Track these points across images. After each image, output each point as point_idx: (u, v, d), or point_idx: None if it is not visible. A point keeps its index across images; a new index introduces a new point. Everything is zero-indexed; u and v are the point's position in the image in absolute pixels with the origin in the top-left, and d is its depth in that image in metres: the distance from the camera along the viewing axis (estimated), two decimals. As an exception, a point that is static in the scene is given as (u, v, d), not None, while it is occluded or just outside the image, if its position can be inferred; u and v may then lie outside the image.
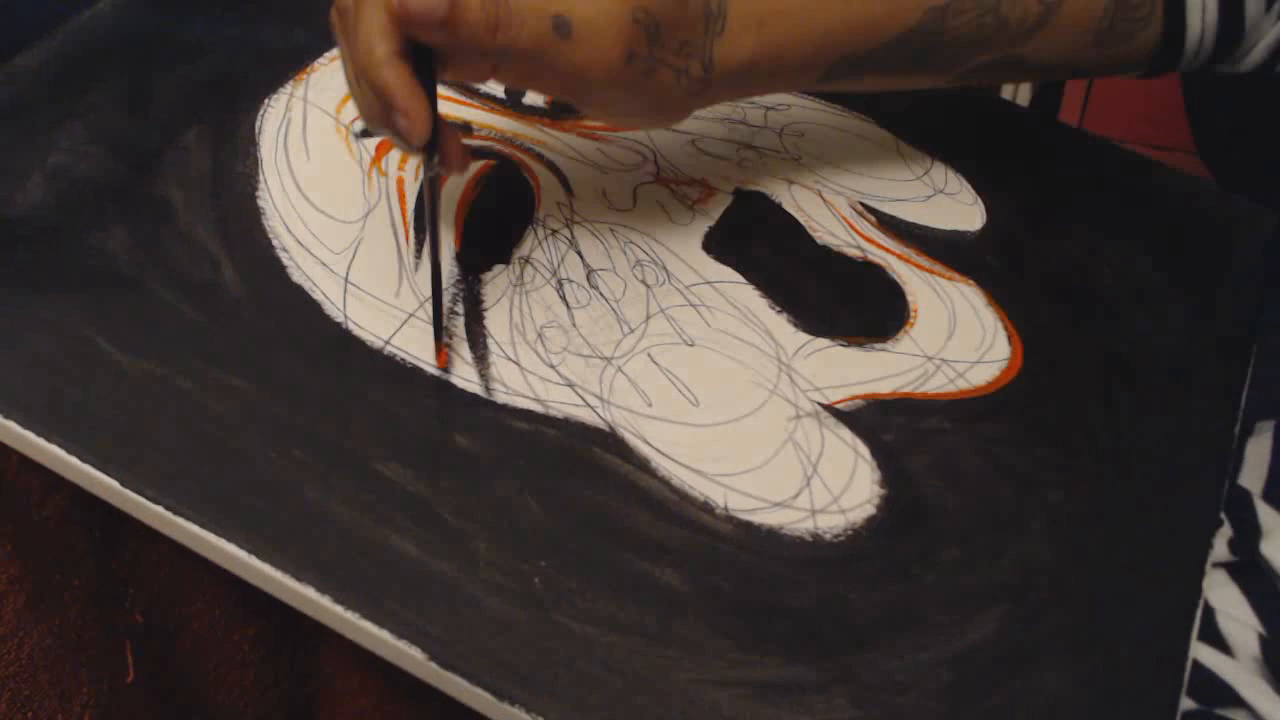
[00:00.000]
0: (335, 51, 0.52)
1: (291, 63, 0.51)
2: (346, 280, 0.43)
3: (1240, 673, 0.38)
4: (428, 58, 0.38)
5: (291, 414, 0.39)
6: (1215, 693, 0.38)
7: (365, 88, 0.38)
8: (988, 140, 0.54)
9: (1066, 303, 0.48)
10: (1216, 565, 0.41)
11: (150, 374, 0.39)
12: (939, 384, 0.44)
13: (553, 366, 0.42)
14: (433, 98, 0.38)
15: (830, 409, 0.42)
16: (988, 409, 0.43)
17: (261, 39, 0.52)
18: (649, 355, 0.43)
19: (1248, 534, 0.41)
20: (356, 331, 0.42)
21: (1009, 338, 0.46)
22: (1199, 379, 0.46)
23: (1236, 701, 0.38)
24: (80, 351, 0.39)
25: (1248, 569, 0.40)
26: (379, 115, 0.38)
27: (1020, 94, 1.49)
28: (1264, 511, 0.41)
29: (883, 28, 0.44)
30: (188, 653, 0.42)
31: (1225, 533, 0.42)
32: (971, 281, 0.48)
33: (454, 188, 0.48)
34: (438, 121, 0.39)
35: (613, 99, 0.41)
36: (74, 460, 0.37)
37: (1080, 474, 0.42)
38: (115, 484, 0.37)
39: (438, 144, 0.39)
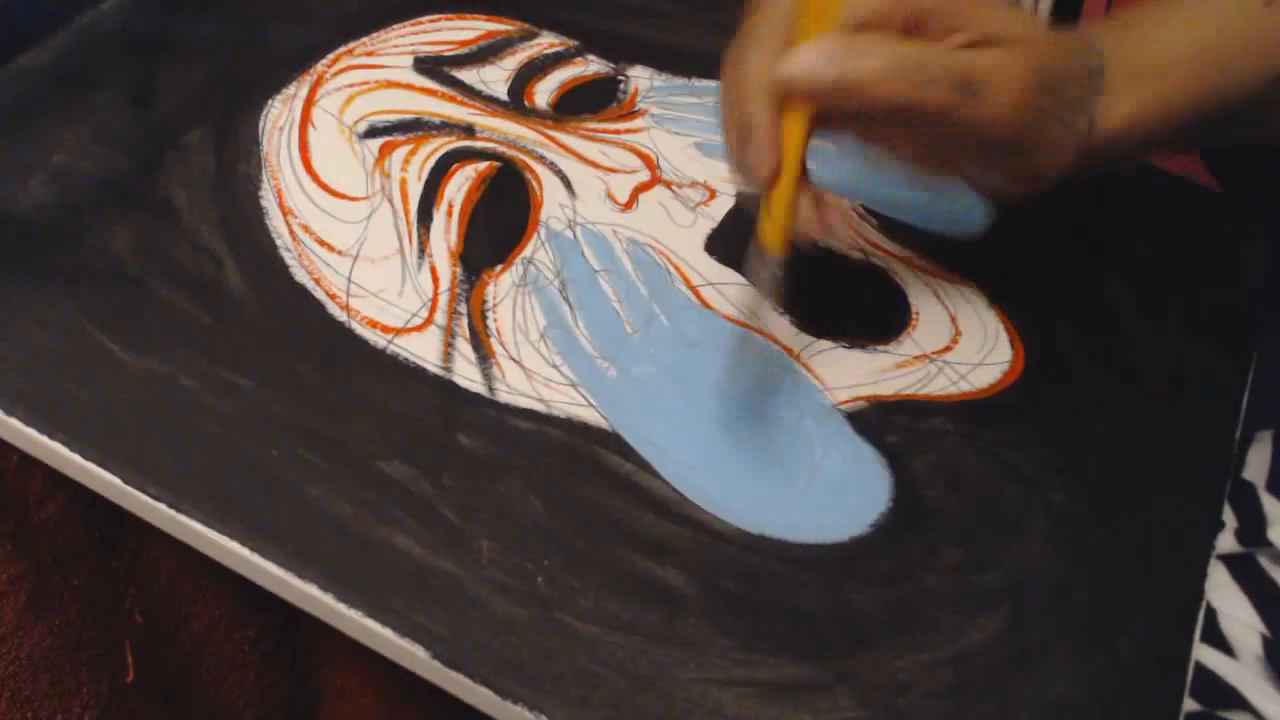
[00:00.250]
0: (339, 51, 0.52)
1: (295, 64, 0.51)
2: (350, 280, 0.43)
3: (1243, 674, 0.38)
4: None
5: (294, 413, 0.39)
6: (1218, 694, 0.38)
7: (734, 123, 0.38)
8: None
9: (1067, 305, 0.48)
10: (1221, 558, 0.41)
11: (153, 372, 0.39)
12: (941, 386, 0.44)
13: (555, 367, 0.42)
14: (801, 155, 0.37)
15: (834, 410, 0.42)
16: (990, 411, 0.43)
17: (265, 40, 0.52)
18: (651, 356, 0.43)
19: (1254, 524, 0.41)
20: (360, 331, 0.42)
21: (1010, 341, 0.46)
22: (1199, 381, 0.46)
23: (1240, 703, 0.38)
24: (83, 349, 0.39)
25: (1250, 568, 0.40)
26: (735, 144, 0.38)
27: None
28: (1269, 502, 0.41)
29: (1253, 74, 0.41)
30: (188, 653, 0.42)
31: (1230, 525, 0.42)
32: (973, 284, 0.48)
33: (458, 188, 0.48)
34: (795, 166, 0.37)
35: (1003, 153, 0.39)
36: (77, 458, 0.37)
37: (1082, 476, 0.42)
38: (118, 481, 0.36)
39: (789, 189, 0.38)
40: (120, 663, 0.40)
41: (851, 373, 0.44)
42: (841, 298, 0.46)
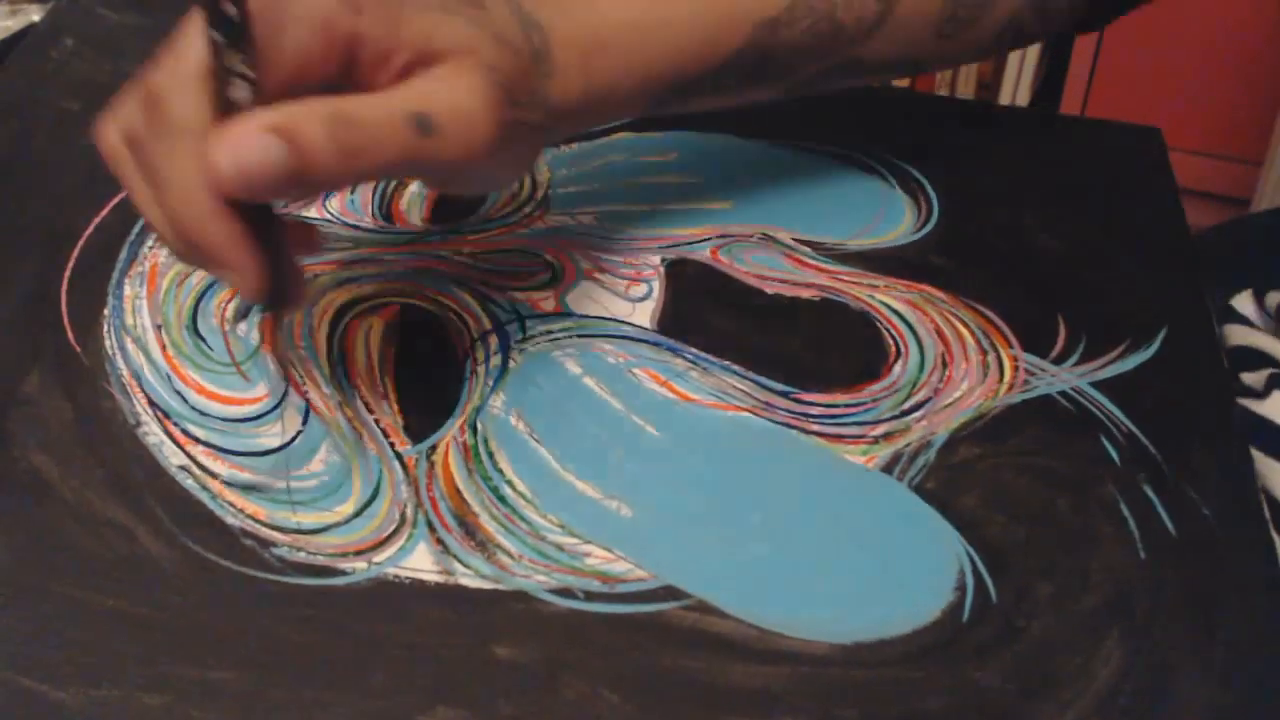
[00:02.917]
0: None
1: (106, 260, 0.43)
2: (291, 503, 0.37)
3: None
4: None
5: (291, 698, 0.32)
6: None
7: (180, 239, 0.32)
8: (895, 138, 0.52)
9: (1036, 279, 0.46)
10: None
11: (101, 702, 0.32)
12: (951, 407, 0.41)
13: (563, 526, 0.37)
14: (277, 241, 0.33)
15: (865, 472, 0.39)
16: (1007, 419, 0.41)
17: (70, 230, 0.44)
18: (657, 476, 0.38)
19: None
20: (328, 563, 0.35)
21: (994, 339, 0.44)
22: (1179, 320, 0.45)
23: None
24: (12, 701, 0.31)
25: None
26: (198, 264, 0.33)
27: (1020, 94, 1.52)
28: None
29: (711, 49, 0.40)
30: None
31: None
32: (937, 289, 0.45)
33: (369, 349, 0.41)
34: (280, 258, 0.33)
35: (484, 173, 0.36)
36: None
37: (1109, 459, 0.40)
38: None
39: (282, 290, 0.33)
40: None
41: (860, 425, 0.40)
42: (814, 344, 0.43)
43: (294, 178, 0.30)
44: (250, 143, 0.30)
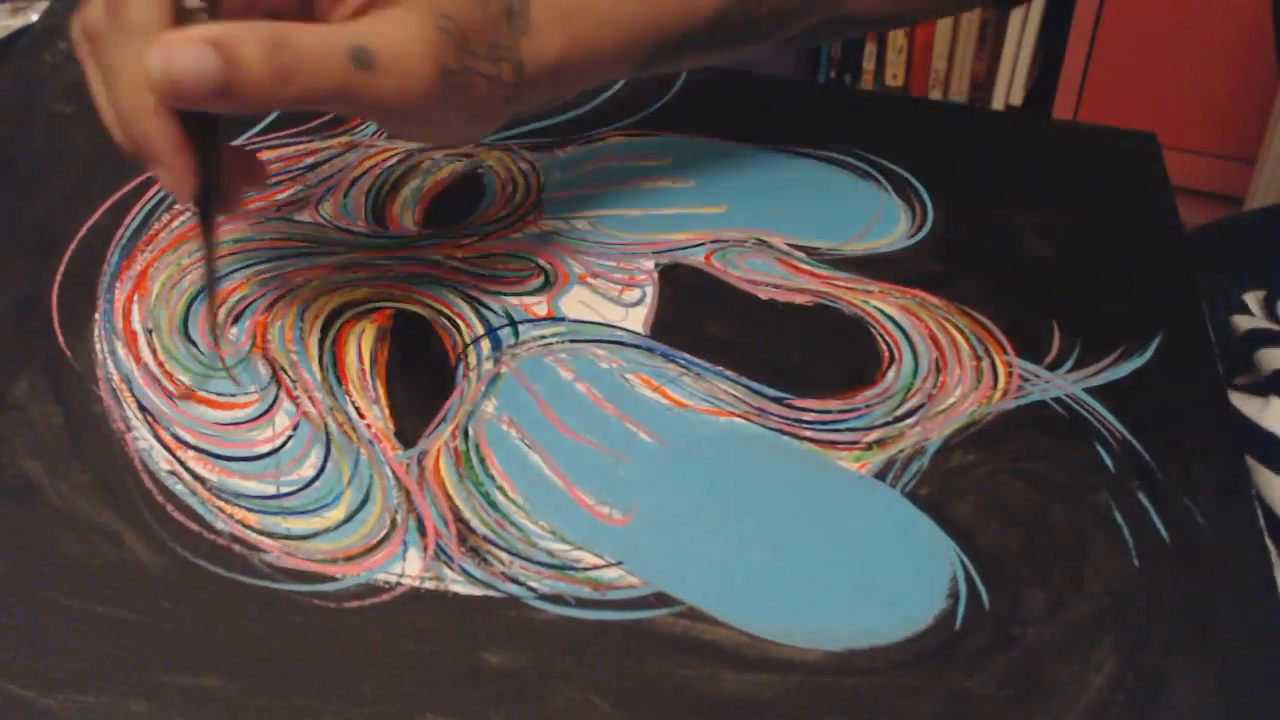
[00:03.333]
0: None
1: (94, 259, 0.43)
2: (281, 509, 0.36)
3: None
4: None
5: (282, 702, 0.32)
6: None
7: (122, 133, 0.34)
8: (889, 143, 0.52)
9: (1033, 286, 0.46)
10: None
11: (89, 709, 0.31)
12: (946, 414, 0.41)
13: (554, 532, 0.36)
14: (212, 143, 0.35)
15: (858, 478, 0.39)
16: (1002, 424, 0.41)
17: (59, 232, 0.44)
18: (650, 482, 0.38)
19: None
20: (321, 569, 0.35)
21: (988, 345, 0.43)
22: (1174, 326, 0.45)
23: None
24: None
25: None
26: (138, 160, 0.34)
27: (1014, 93, 1.52)
28: None
29: (696, 7, 0.41)
30: None
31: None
32: (931, 294, 0.45)
33: (361, 354, 0.41)
34: (214, 165, 0.36)
35: (429, 118, 0.37)
36: None
37: (1104, 466, 0.40)
38: None
39: (213, 189, 0.36)
40: None
41: (854, 431, 0.40)
42: (807, 349, 0.43)
43: (223, 90, 0.32)
44: (185, 51, 0.31)
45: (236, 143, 0.49)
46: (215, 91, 0.32)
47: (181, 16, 0.34)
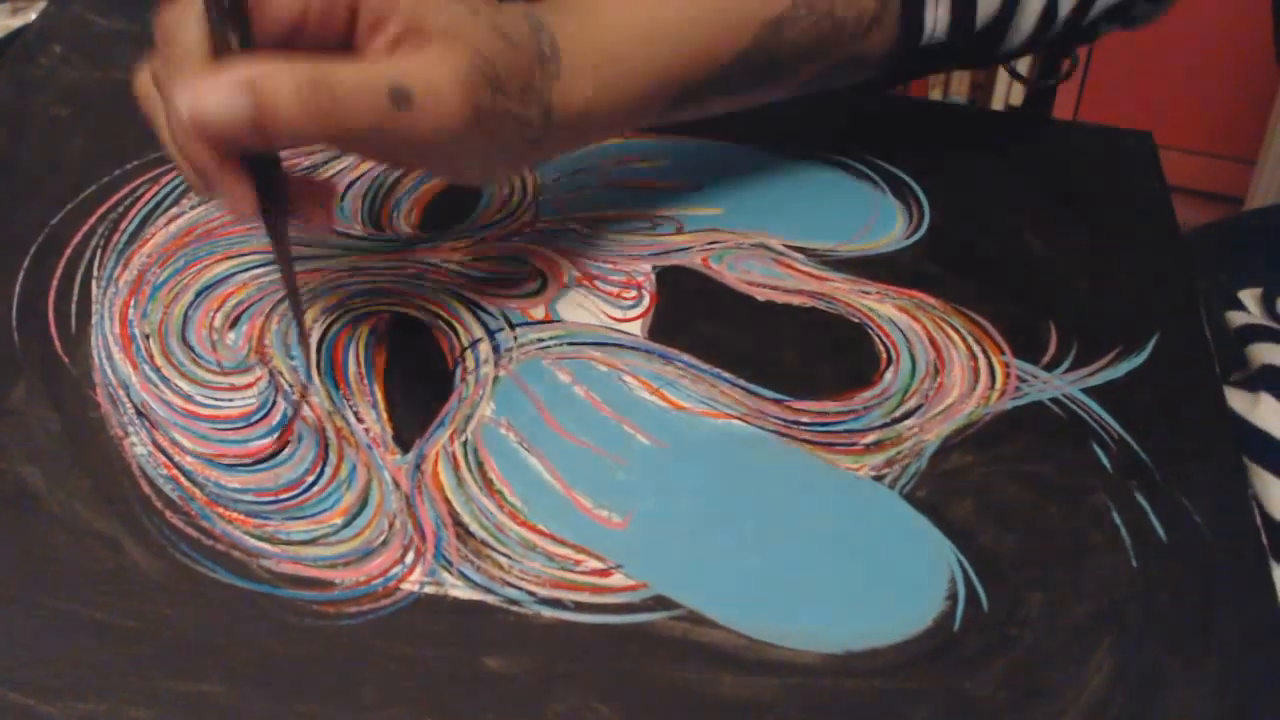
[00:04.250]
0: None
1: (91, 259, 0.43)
2: (282, 513, 0.36)
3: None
4: None
5: (283, 708, 0.32)
6: None
7: (180, 163, 0.34)
8: (887, 144, 0.52)
9: (1032, 288, 0.46)
10: None
11: (90, 717, 0.31)
12: (944, 415, 0.41)
13: (552, 536, 0.36)
14: (272, 163, 0.35)
15: (857, 480, 0.39)
16: (1000, 425, 0.41)
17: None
18: (649, 485, 0.38)
19: None
20: (323, 575, 0.35)
21: (985, 345, 0.43)
22: (1171, 326, 0.45)
23: None
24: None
25: None
26: (201, 189, 0.35)
27: (1014, 91, 1.52)
28: None
29: (718, 52, 0.41)
30: None
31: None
32: (929, 295, 0.45)
33: (358, 358, 0.41)
34: (280, 182, 0.36)
35: (458, 156, 0.37)
36: None
37: (1101, 466, 0.40)
38: None
39: (281, 204, 0.36)
40: None
41: (850, 434, 0.40)
42: (806, 351, 0.43)
43: (255, 129, 0.32)
44: (216, 94, 0.31)
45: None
46: (247, 131, 0.32)
47: (222, 48, 0.33)
